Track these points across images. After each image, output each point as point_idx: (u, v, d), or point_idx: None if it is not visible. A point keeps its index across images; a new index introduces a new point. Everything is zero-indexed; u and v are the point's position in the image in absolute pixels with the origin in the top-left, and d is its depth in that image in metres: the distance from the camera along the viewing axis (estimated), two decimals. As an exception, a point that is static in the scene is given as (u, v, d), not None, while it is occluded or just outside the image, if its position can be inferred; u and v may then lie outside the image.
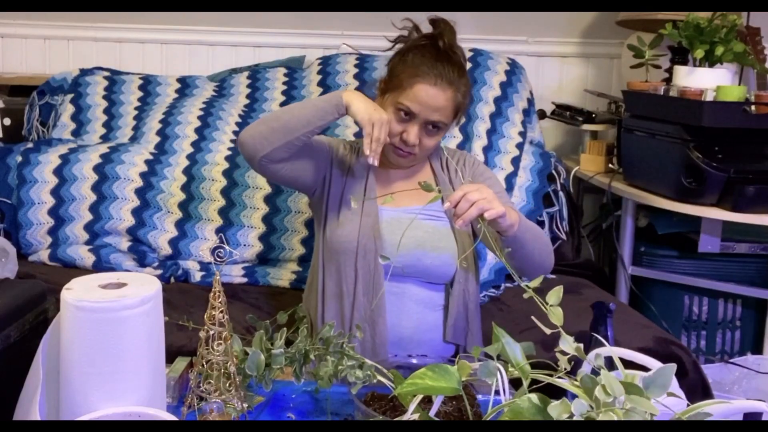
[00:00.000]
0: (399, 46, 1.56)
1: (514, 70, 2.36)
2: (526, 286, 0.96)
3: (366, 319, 1.49)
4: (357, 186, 1.56)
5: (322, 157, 1.55)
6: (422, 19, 1.57)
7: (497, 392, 0.93)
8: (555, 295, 0.95)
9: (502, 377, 0.92)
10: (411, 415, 0.97)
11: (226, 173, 2.15)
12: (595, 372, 0.82)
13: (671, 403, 0.89)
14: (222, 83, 2.48)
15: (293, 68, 2.47)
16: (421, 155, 1.54)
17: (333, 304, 1.52)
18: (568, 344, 0.90)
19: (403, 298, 1.51)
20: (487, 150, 2.21)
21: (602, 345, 1.16)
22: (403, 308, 1.51)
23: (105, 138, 2.33)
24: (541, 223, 2.17)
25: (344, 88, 2.26)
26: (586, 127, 2.45)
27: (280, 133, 1.41)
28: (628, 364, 1.01)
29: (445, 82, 1.46)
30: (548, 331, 0.91)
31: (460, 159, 1.63)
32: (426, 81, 1.45)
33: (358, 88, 2.30)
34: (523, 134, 2.27)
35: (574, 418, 0.80)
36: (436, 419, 0.99)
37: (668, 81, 2.24)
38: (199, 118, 2.28)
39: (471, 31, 2.61)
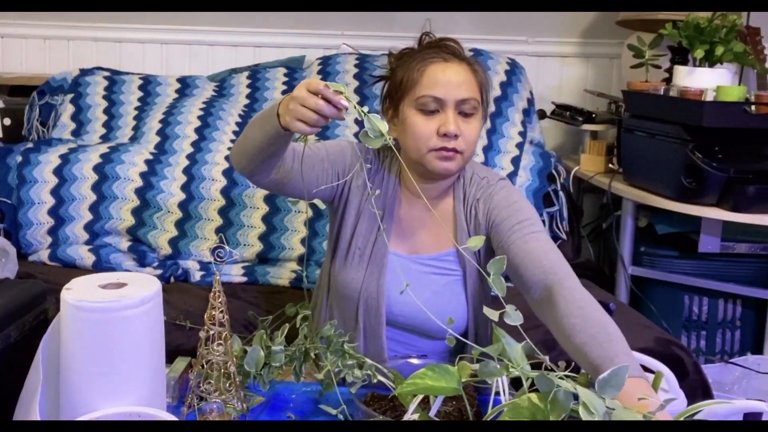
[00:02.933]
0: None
1: (514, 70, 2.36)
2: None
3: None
4: (371, 221, 1.38)
5: (329, 173, 1.36)
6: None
7: (497, 392, 0.93)
8: (497, 264, 0.93)
9: (501, 378, 0.92)
10: (411, 415, 0.97)
11: (226, 173, 2.15)
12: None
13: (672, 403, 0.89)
14: (222, 83, 2.48)
15: (293, 68, 2.47)
16: (468, 152, 1.32)
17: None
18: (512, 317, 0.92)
19: (406, 347, 1.42)
20: (487, 150, 2.21)
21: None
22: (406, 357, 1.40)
23: (105, 138, 2.33)
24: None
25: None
26: (586, 127, 2.45)
27: (247, 156, 1.26)
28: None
29: (455, 59, 1.33)
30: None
31: (478, 190, 1.39)
32: (436, 62, 1.32)
33: (358, 89, 2.31)
34: (523, 134, 2.27)
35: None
36: (436, 419, 0.99)
37: (668, 81, 2.24)
38: (199, 118, 2.28)
39: (471, 31, 2.61)
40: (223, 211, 2.13)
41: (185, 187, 2.15)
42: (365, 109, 1.00)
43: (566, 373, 0.85)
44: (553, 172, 2.22)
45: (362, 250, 1.37)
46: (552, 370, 0.87)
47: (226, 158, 2.17)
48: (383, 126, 0.99)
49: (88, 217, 2.13)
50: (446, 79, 1.30)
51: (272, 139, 1.19)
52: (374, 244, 1.37)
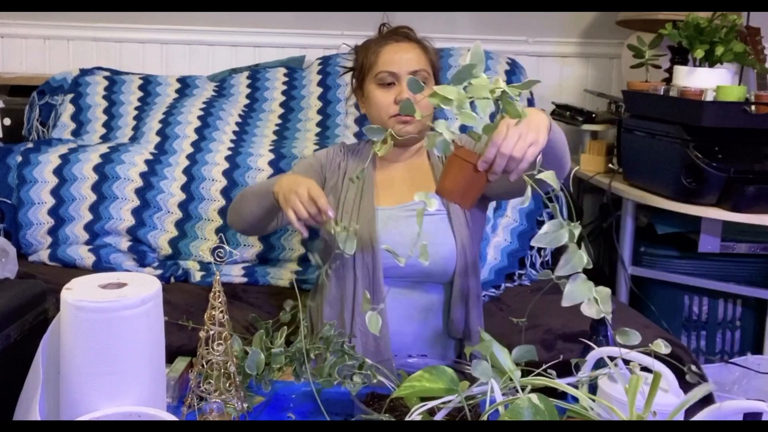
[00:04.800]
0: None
1: (514, 70, 2.36)
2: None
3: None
4: (354, 188, 1.55)
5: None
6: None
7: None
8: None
9: (493, 385, 0.92)
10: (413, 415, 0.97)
11: (226, 173, 2.15)
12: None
13: (669, 403, 0.89)
14: (222, 83, 2.48)
15: (293, 68, 2.47)
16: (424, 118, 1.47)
17: (336, 307, 1.52)
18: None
19: (404, 304, 1.51)
20: (487, 150, 2.20)
21: (603, 345, 1.16)
22: (405, 314, 1.51)
23: (105, 138, 2.33)
24: (541, 223, 2.17)
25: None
26: (586, 127, 2.45)
27: (247, 224, 1.58)
28: (628, 364, 1.02)
29: (405, 40, 1.57)
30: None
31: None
32: (388, 44, 1.56)
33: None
34: (523, 134, 2.27)
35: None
36: (435, 419, 0.99)
37: (668, 81, 2.24)
38: (199, 118, 2.28)
39: (471, 31, 2.61)
40: (223, 212, 2.12)
41: (185, 188, 2.15)
42: (343, 223, 1.16)
43: (556, 383, 0.84)
44: (553, 172, 2.22)
45: (350, 213, 1.51)
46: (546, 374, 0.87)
47: (227, 158, 2.17)
48: None
49: (88, 217, 2.13)
50: (398, 56, 1.54)
51: (268, 211, 1.50)
52: (360, 204, 1.52)
